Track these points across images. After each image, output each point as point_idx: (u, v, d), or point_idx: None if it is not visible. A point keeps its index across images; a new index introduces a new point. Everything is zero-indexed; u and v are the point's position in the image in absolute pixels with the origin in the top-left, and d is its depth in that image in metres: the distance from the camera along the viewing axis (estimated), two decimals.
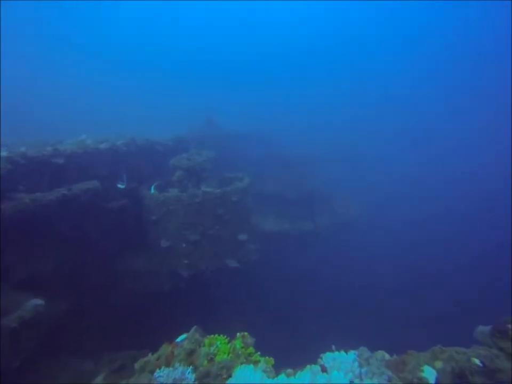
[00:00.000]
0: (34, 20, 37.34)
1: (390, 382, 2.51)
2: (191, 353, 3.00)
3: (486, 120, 31.98)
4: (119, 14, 45.36)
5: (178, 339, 3.46)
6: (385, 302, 10.94)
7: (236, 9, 47.57)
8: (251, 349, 2.94)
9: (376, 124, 29.97)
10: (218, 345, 2.99)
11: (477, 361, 2.61)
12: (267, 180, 13.62)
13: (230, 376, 2.61)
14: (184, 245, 7.59)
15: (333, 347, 2.87)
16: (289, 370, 2.74)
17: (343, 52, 46.58)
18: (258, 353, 2.91)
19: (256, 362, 2.80)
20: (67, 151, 6.51)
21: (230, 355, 2.85)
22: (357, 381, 2.48)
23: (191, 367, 2.71)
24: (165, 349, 3.16)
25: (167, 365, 2.88)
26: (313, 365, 2.72)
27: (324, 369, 2.64)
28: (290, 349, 8.62)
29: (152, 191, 7.96)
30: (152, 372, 2.78)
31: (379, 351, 2.85)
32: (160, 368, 2.69)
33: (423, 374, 2.57)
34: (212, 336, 3.12)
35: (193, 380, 2.62)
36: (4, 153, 5.46)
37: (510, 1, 30.36)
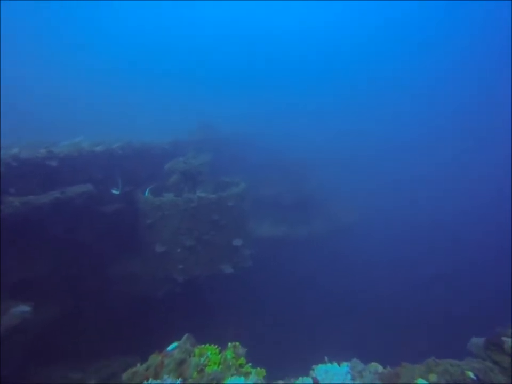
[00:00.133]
0: (34, 20, 37.38)
1: None
2: (181, 363, 2.93)
3: (487, 126, 32.04)
4: (120, 15, 45.52)
5: (170, 347, 3.39)
6: (382, 308, 10.89)
7: (236, 13, 47.99)
8: (242, 360, 2.88)
9: (375, 130, 30.15)
10: (208, 355, 2.93)
11: (471, 374, 2.58)
12: (264, 185, 13.60)
13: None
14: (179, 250, 7.52)
15: (326, 358, 2.82)
16: (281, 383, 2.68)
17: (343, 56, 46.98)
18: (250, 364, 2.85)
19: (247, 374, 2.74)
20: (61, 154, 6.45)
21: (221, 366, 2.79)
22: None
23: (180, 379, 2.64)
24: (155, 358, 3.09)
25: (156, 375, 2.81)
26: (305, 377, 2.67)
27: (315, 382, 2.58)
28: (285, 355, 8.55)
29: (146, 194, 7.90)
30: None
31: (372, 363, 2.80)
32: (148, 380, 2.62)
33: None
34: (203, 346, 3.05)
35: None
36: None
37: None
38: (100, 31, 44.33)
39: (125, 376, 2.87)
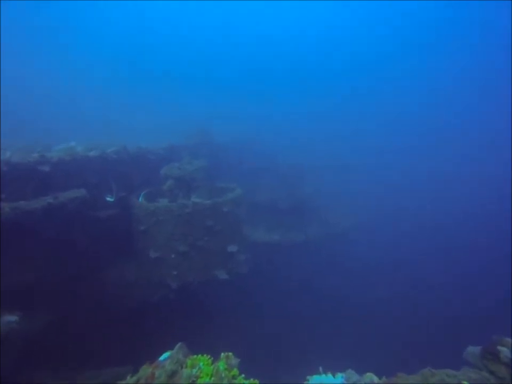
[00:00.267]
0: (32, 23, 37.32)
1: None
2: (172, 375, 2.86)
3: (486, 127, 32.08)
4: (114, 17, 45.67)
5: (162, 357, 3.32)
6: (379, 313, 10.84)
7: (232, 18, 48.34)
8: (235, 371, 2.81)
9: (371, 135, 30.27)
10: (201, 366, 2.86)
11: None
12: (260, 190, 13.58)
13: None
14: (173, 256, 7.44)
15: (320, 369, 2.76)
16: None
17: (338, 59, 47.26)
18: (243, 375, 2.79)
19: None
20: (54, 158, 6.37)
21: (213, 378, 2.72)
22: None
23: None
24: (145, 370, 3.01)
25: None
26: None
27: None
28: (280, 362, 8.45)
29: (140, 199, 7.82)
30: None
31: (367, 374, 2.75)
32: None
33: None
34: (195, 356, 2.98)
35: None
36: None
37: None
38: (98, 37, 44.42)
39: None
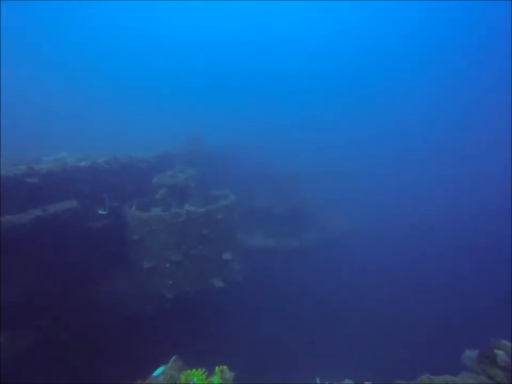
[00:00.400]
0: (29, 32, 37.16)
1: None
2: None
3: (487, 129, 32.25)
4: (110, 31, 45.82)
5: (156, 373, 3.24)
6: (376, 317, 10.80)
7: (226, 25, 48.71)
8: None
9: (367, 141, 30.54)
10: (195, 381, 2.78)
11: None
12: (255, 197, 13.55)
13: None
14: (168, 265, 7.32)
15: (317, 380, 2.71)
16: None
17: (334, 66, 47.80)
18: None
19: None
20: (43, 170, 6.26)
21: None
22: None
23: None
24: None
25: None
26: None
27: None
28: (276, 370, 8.31)
29: (133, 209, 7.72)
30: None
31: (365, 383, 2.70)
32: None
33: None
34: (189, 371, 2.90)
35: None
36: None
37: None
38: (91, 45, 44.45)
39: None
